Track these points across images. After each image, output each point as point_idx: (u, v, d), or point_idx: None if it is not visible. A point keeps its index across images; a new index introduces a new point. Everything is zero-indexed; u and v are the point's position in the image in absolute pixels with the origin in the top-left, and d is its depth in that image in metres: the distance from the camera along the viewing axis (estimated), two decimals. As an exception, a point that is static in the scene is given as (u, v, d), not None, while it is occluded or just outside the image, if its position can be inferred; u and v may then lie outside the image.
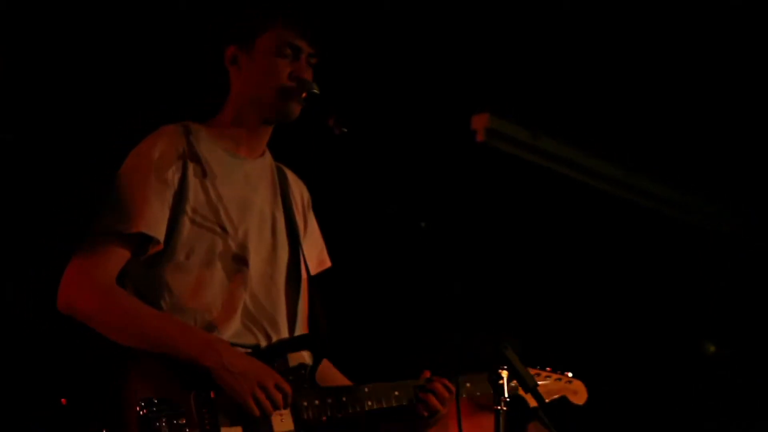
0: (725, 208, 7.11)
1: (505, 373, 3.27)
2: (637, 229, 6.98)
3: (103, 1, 4.98)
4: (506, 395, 3.29)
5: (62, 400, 5.97)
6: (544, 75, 5.78)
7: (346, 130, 3.29)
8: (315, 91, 3.35)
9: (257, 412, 3.11)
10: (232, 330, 3.24)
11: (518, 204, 6.46)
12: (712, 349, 4.72)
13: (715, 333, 4.90)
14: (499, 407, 3.26)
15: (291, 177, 3.62)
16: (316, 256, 3.60)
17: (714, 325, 6.35)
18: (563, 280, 6.68)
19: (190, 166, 3.28)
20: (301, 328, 3.46)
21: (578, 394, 3.92)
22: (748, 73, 5.84)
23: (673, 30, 5.53)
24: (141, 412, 3.00)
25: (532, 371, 3.75)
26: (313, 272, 3.53)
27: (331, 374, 3.48)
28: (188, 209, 3.25)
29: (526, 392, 3.41)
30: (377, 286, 5.65)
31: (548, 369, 3.90)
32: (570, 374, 3.92)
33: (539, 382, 3.71)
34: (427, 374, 3.52)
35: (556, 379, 3.89)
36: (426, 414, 3.46)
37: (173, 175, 3.25)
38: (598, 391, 3.95)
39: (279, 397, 3.14)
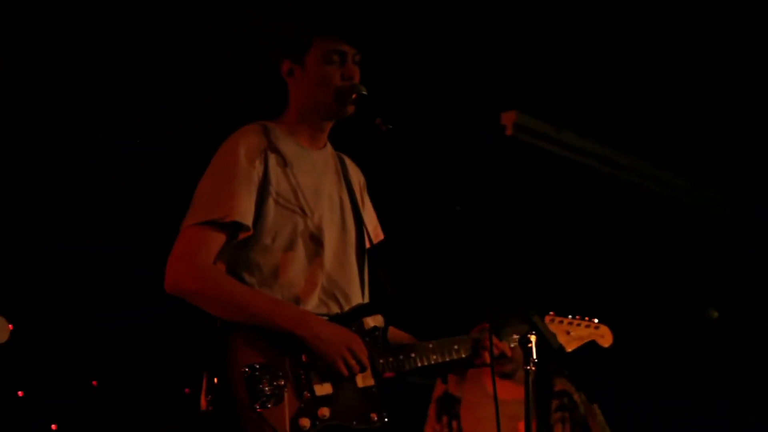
0: (725, 196, 7.21)
1: (533, 338, 3.42)
2: (646, 209, 7.09)
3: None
4: (535, 357, 3.40)
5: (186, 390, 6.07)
6: (565, 76, 5.85)
7: (390, 127, 3.39)
8: (363, 92, 3.44)
9: (346, 372, 3.23)
10: (312, 303, 3.34)
11: (542, 189, 6.60)
12: (715, 315, 4.85)
13: (717, 301, 5.03)
14: (528, 367, 3.43)
15: (349, 163, 3.70)
16: (372, 230, 3.63)
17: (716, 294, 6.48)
18: (585, 252, 6.82)
19: (272, 158, 3.38)
20: (368, 296, 3.54)
21: (605, 337, 3.96)
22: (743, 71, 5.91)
23: (681, 30, 5.56)
24: (245, 375, 3.12)
25: (566, 319, 3.90)
26: (371, 243, 3.59)
27: (399, 334, 3.57)
28: (273, 192, 3.34)
29: (551, 356, 3.55)
30: (427, 258, 5.80)
31: (578, 317, 3.97)
32: (597, 320, 3.99)
33: (571, 330, 3.89)
34: (486, 325, 3.58)
35: (585, 326, 3.94)
36: (480, 361, 3.57)
37: (258, 167, 3.34)
38: (620, 337, 4.05)
39: (363, 358, 3.27)
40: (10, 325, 3.32)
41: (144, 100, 5.43)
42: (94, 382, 6.39)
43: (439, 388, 5.20)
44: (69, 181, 5.34)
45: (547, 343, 3.53)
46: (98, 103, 5.48)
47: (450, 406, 5.14)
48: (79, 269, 6.14)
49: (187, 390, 3.13)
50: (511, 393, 4.71)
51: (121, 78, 5.48)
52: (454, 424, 5.11)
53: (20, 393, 6.19)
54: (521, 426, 4.79)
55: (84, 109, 5.55)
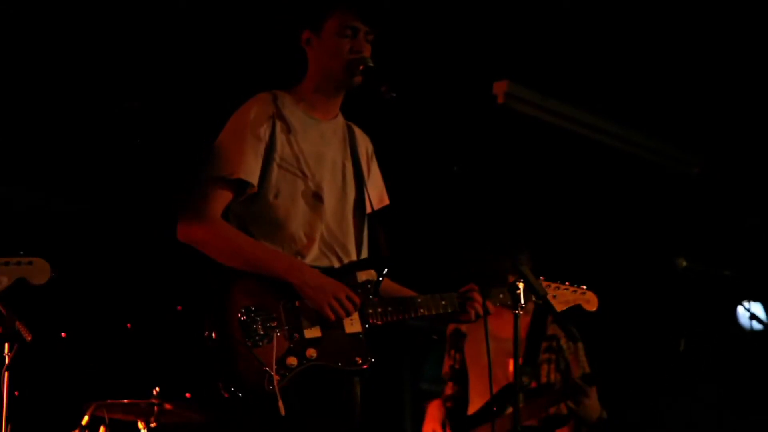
0: (695, 154, 7.15)
1: (521, 285, 3.38)
2: (626, 172, 7.01)
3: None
4: (522, 302, 3.38)
5: (179, 307, 6.19)
6: (553, 48, 5.77)
7: (394, 95, 3.32)
8: (370, 64, 3.37)
9: (333, 317, 3.19)
10: (312, 255, 3.30)
11: (531, 153, 6.53)
12: (683, 263, 4.76)
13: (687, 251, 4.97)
14: (516, 311, 3.39)
15: (358, 133, 3.62)
16: (377, 195, 3.60)
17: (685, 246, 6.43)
18: (571, 213, 6.77)
19: (278, 125, 3.34)
20: (365, 253, 3.49)
21: (590, 302, 3.89)
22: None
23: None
24: (241, 318, 3.10)
25: (554, 284, 3.81)
26: (375, 208, 3.56)
27: (394, 288, 3.51)
28: (276, 158, 3.31)
29: (538, 299, 3.48)
30: (424, 219, 5.74)
31: (567, 283, 3.90)
32: (585, 287, 3.93)
33: (558, 292, 3.80)
34: (473, 286, 3.52)
35: (573, 291, 3.88)
36: (465, 317, 3.49)
37: (265, 132, 3.31)
38: (604, 301, 3.96)
39: (349, 305, 3.21)
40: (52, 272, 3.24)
41: (242, 73, 5.36)
42: (129, 325, 6.40)
43: (450, 325, 5.16)
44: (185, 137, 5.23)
45: (534, 290, 3.47)
46: (212, 80, 5.46)
47: (457, 341, 5.13)
48: (114, 223, 6.15)
49: (206, 333, 3.09)
50: (510, 331, 4.64)
51: (227, 59, 5.51)
52: (458, 356, 5.09)
53: (63, 334, 6.18)
54: (512, 363, 4.71)
55: (202, 83, 5.54)
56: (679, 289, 6.53)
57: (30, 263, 3.16)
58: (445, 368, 5.17)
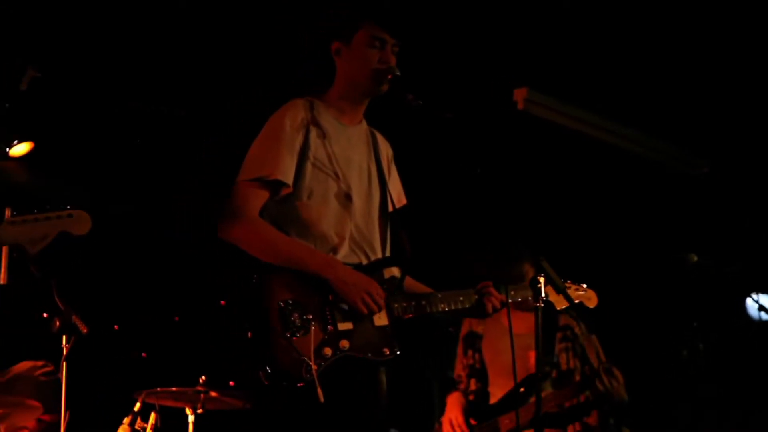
0: (704, 156, 7.07)
1: (542, 279, 3.39)
2: (639, 172, 6.95)
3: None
4: (544, 296, 3.39)
5: (222, 302, 6.20)
6: (568, 57, 5.73)
7: (420, 103, 3.33)
8: (397, 73, 3.36)
9: (365, 311, 3.18)
10: (343, 252, 3.29)
11: (549, 155, 6.48)
12: (694, 259, 4.70)
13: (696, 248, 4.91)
14: (538, 304, 3.38)
15: (380, 138, 3.61)
16: (396, 196, 3.58)
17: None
18: (583, 212, 6.73)
19: (312, 129, 3.33)
20: (389, 250, 3.48)
21: (591, 300, 3.92)
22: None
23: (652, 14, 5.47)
24: (280, 311, 3.09)
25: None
26: (396, 207, 3.55)
27: (415, 285, 3.50)
28: (311, 159, 3.30)
29: (557, 293, 3.50)
30: (444, 218, 5.73)
31: (569, 281, 3.91)
32: (585, 285, 3.95)
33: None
34: (488, 283, 3.52)
35: (575, 289, 3.90)
36: (485, 312, 3.48)
37: (300, 135, 3.30)
38: (605, 299, 3.97)
39: (380, 300, 3.20)
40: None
41: (278, 81, 5.32)
42: (176, 318, 6.42)
43: (464, 328, 5.14)
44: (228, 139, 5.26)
45: (555, 284, 3.48)
46: (255, 87, 5.41)
47: (473, 342, 5.08)
48: (161, 224, 6.16)
49: (247, 325, 3.09)
50: (524, 327, 4.60)
51: (266, 69, 5.49)
52: (477, 356, 5.03)
53: (116, 327, 6.21)
54: (532, 354, 4.67)
55: (245, 90, 5.49)
56: (690, 283, 6.47)
57: (70, 216, 2.99)
58: (458, 370, 5.11)
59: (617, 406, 4.80)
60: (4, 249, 3.19)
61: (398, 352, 3.23)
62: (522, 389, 4.71)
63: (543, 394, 4.68)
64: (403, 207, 3.63)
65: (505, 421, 4.71)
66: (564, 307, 3.71)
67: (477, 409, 4.90)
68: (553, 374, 4.88)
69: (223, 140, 5.28)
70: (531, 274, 4.53)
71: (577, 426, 4.72)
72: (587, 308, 3.98)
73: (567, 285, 3.87)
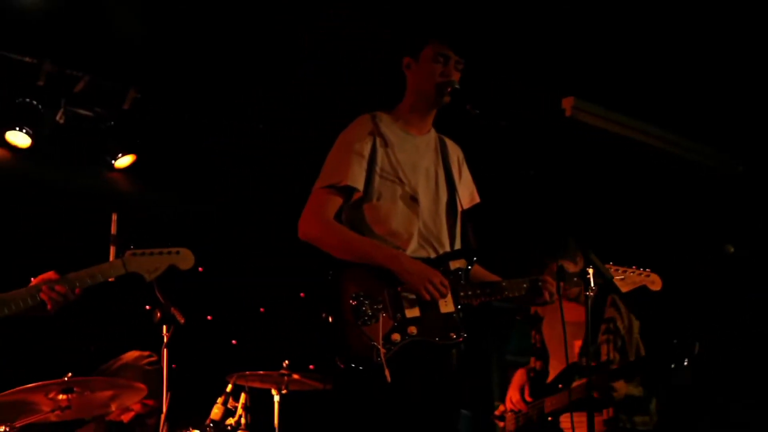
0: (739, 156, 6.94)
1: (591, 270, 3.34)
2: (679, 172, 6.83)
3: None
4: (593, 285, 3.34)
5: (301, 294, 6.23)
6: (611, 68, 5.65)
7: (477, 112, 3.33)
8: (456, 86, 3.37)
9: (428, 298, 3.16)
10: (411, 247, 3.29)
11: (595, 156, 6.41)
12: (731, 249, 4.57)
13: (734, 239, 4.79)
14: (588, 293, 3.33)
15: (449, 143, 3.60)
16: (468, 195, 3.57)
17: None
18: (630, 208, 6.63)
19: (378, 140, 3.35)
20: (458, 245, 3.46)
21: (655, 283, 3.82)
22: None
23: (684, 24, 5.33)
24: (352, 302, 3.11)
25: (622, 268, 3.74)
26: (466, 206, 3.53)
27: (483, 274, 3.47)
28: (377, 168, 3.32)
29: (605, 282, 3.46)
30: (506, 215, 5.66)
31: (634, 267, 3.83)
32: (649, 270, 3.84)
33: (626, 275, 3.74)
34: (555, 265, 3.51)
35: (638, 274, 3.81)
36: (541, 299, 3.44)
37: (367, 146, 3.33)
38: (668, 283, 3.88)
39: (442, 288, 3.18)
40: (200, 268, 3.30)
41: (352, 98, 5.37)
42: (262, 309, 6.45)
43: (531, 309, 5.08)
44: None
45: (602, 274, 3.42)
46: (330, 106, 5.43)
47: (537, 323, 5.01)
48: (249, 225, 6.20)
49: (324, 315, 3.10)
50: (574, 316, 4.53)
51: (342, 88, 5.51)
52: (538, 336, 4.97)
53: (209, 317, 6.26)
54: (577, 344, 4.63)
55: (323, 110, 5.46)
56: (728, 272, 6.31)
57: (178, 252, 3.26)
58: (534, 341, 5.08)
59: (624, 404, 4.63)
60: (112, 249, 3.25)
61: (465, 336, 3.21)
62: (560, 384, 4.63)
63: (577, 382, 4.55)
64: (476, 205, 3.62)
65: (549, 402, 4.63)
66: (629, 289, 3.67)
67: (533, 386, 4.83)
68: (592, 364, 4.77)
69: (300, 152, 5.29)
70: (575, 266, 4.47)
71: (611, 411, 4.60)
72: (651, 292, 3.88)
73: (631, 270, 3.80)
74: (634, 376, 4.50)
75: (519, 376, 4.96)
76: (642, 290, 3.82)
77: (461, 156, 3.65)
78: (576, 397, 4.34)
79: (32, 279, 3.23)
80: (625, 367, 4.52)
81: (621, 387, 4.48)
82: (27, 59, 5.41)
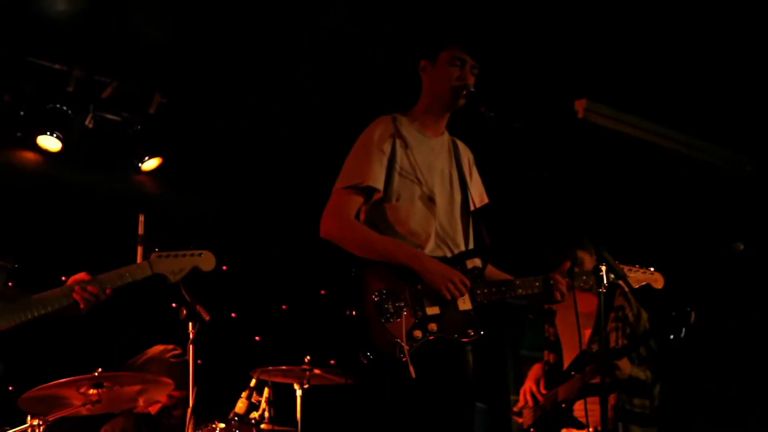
0: (748, 156, 6.86)
1: (604, 267, 3.30)
2: (688, 172, 6.81)
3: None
4: (606, 282, 3.29)
5: (322, 291, 6.24)
6: (622, 71, 5.61)
7: (492, 114, 3.31)
8: (471, 89, 3.37)
9: (449, 297, 3.16)
10: (429, 247, 3.27)
11: (607, 157, 6.40)
12: (741, 247, 4.54)
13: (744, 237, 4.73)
14: (601, 289, 3.29)
15: (461, 146, 3.59)
16: (478, 195, 3.56)
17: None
18: (640, 207, 6.59)
19: (397, 141, 3.34)
20: (471, 244, 3.44)
21: (658, 281, 3.83)
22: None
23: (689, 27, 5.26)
24: (375, 299, 3.11)
25: (627, 266, 3.74)
26: (477, 206, 3.51)
27: (496, 273, 3.46)
28: (397, 168, 3.31)
29: (617, 279, 3.40)
30: (519, 215, 5.65)
31: (637, 266, 3.84)
32: (653, 268, 3.85)
33: (631, 273, 3.75)
34: (566, 265, 3.46)
35: (642, 272, 3.82)
36: (554, 297, 3.43)
37: (387, 147, 3.32)
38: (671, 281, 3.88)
39: (461, 287, 3.18)
40: (224, 267, 3.32)
41: (369, 100, 5.28)
42: (284, 306, 6.47)
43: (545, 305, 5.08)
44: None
45: (614, 271, 3.39)
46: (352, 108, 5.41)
47: (550, 318, 5.01)
48: (271, 226, 6.22)
49: (348, 311, 3.10)
50: (585, 306, 4.51)
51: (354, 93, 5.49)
52: (552, 330, 4.97)
53: (233, 315, 6.27)
54: (587, 332, 4.63)
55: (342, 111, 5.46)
56: (737, 269, 6.25)
57: (201, 254, 3.29)
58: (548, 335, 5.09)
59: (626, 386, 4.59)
60: (139, 249, 3.28)
61: (482, 333, 3.20)
62: (573, 371, 4.61)
63: (588, 368, 4.55)
64: (485, 205, 3.61)
65: (562, 390, 4.62)
66: (638, 286, 3.67)
67: (549, 379, 4.82)
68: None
69: (319, 153, 5.30)
70: (587, 262, 4.45)
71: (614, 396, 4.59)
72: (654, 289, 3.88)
73: (636, 268, 3.80)
74: (634, 350, 4.46)
75: (534, 370, 4.95)
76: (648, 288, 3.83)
77: (471, 158, 3.64)
78: (589, 380, 4.33)
79: (63, 278, 3.25)
80: (626, 344, 4.49)
81: (625, 367, 4.45)
82: (57, 66, 5.46)
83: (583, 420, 4.40)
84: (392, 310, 3.10)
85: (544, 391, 4.75)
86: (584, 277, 3.51)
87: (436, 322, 3.15)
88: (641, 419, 4.49)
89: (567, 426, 4.58)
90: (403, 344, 3.04)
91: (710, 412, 6.20)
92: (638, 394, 4.53)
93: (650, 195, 6.67)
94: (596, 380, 4.56)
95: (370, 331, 3.07)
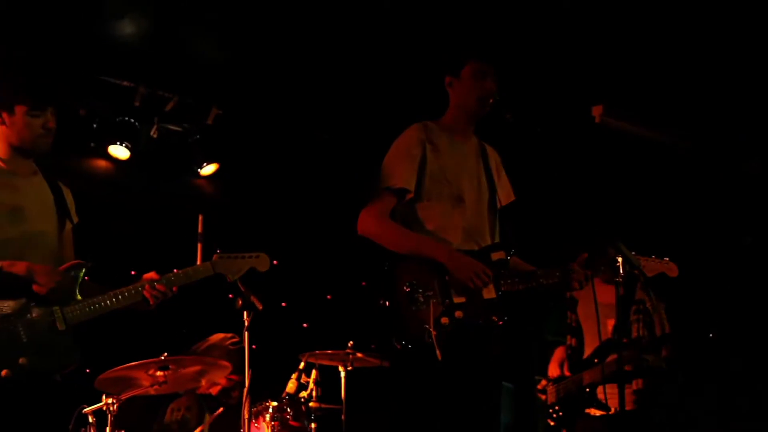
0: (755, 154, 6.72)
1: (620, 259, 3.30)
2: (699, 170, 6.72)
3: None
4: (621, 272, 3.30)
5: (363, 283, 6.26)
6: (637, 78, 5.58)
7: (515, 119, 3.37)
8: (497, 97, 3.41)
9: (473, 286, 3.18)
10: (458, 242, 3.30)
11: (623, 160, 6.35)
12: (749, 240, 4.49)
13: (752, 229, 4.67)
14: (617, 279, 3.29)
15: (489, 148, 3.61)
16: (505, 194, 3.57)
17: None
18: (655, 205, 6.52)
19: (428, 147, 3.37)
20: (498, 238, 3.46)
21: (672, 270, 3.77)
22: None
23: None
24: (406, 289, 3.15)
25: (644, 257, 3.68)
26: (504, 203, 3.53)
27: (521, 264, 3.46)
28: (427, 171, 3.34)
29: (632, 269, 3.40)
30: (541, 212, 5.62)
31: (653, 256, 3.77)
32: (667, 258, 3.80)
33: (647, 263, 3.68)
34: (584, 255, 3.43)
35: (658, 261, 3.76)
36: (572, 286, 3.43)
37: (418, 152, 3.35)
38: (684, 270, 3.82)
39: (485, 277, 3.20)
40: (275, 261, 3.37)
41: (403, 109, 5.31)
42: (329, 297, 6.50)
43: (567, 293, 5.04)
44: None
45: (630, 262, 3.37)
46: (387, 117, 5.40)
47: (572, 305, 4.98)
48: (317, 224, 6.26)
49: (381, 301, 3.14)
50: (607, 298, 4.49)
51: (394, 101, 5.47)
52: (574, 317, 4.93)
53: (284, 304, 6.32)
54: (610, 323, 4.60)
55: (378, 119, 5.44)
56: (747, 259, 6.15)
57: (258, 257, 3.31)
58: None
59: (651, 373, 4.55)
60: (199, 246, 3.35)
61: (506, 319, 3.22)
62: (596, 359, 4.59)
63: (611, 357, 4.52)
64: (512, 202, 3.61)
65: (587, 376, 4.60)
66: (650, 275, 3.64)
67: (571, 362, 4.80)
68: (624, 341, 4.71)
69: (358, 159, 5.34)
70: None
71: (639, 383, 4.55)
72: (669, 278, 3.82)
73: (651, 258, 3.75)
74: (661, 348, 4.46)
75: (559, 353, 4.94)
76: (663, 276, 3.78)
77: (498, 159, 3.65)
78: (609, 371, 4.31)
79: (132, 272, 3.33)
80: (654, 341, 4.46)
81: (652, 359, 4.44)
82: (125, 83, 5.58)
83: (608, 403, 4.38)
84: (422, 300, 3.13)
85: (567, 373, 4.74)
86: (602, 267, 3.49)
87: (463, 309, 3.17)
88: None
89: (591, 407, 4.58)
90: (431, 330, 3.06)
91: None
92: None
93: (663, 192, 6.58)
94: (627, 368, 4.56)
95: (402, 318, 3.11)
